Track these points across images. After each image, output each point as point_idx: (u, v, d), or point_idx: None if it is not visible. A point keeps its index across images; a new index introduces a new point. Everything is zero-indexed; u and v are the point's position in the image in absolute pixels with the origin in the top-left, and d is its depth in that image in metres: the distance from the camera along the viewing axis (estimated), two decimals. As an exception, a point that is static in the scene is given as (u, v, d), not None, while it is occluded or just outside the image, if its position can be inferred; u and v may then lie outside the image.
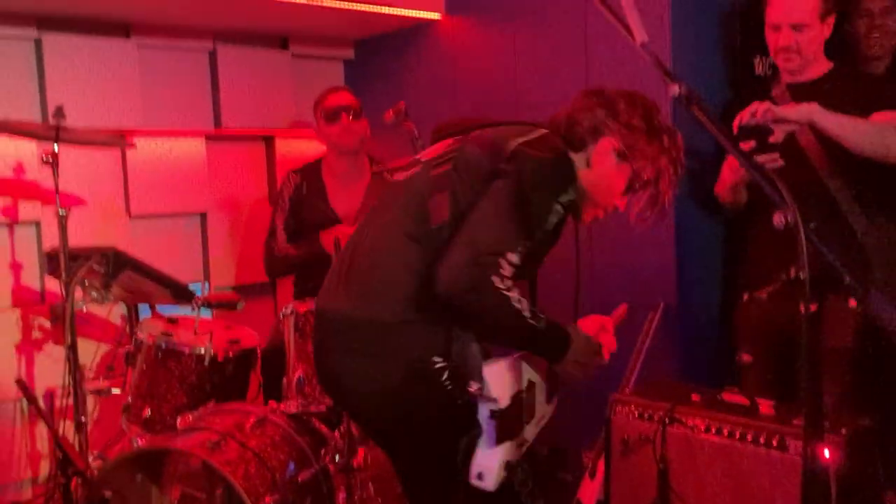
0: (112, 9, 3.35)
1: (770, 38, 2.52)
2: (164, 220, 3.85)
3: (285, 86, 4.05)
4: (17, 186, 3.38)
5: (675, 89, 1.23)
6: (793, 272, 1.07)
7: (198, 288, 3.64)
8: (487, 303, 1.70)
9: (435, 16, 3.71)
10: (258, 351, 3.02)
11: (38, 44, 3.40)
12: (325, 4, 3.39)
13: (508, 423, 1.80)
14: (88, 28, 3.48)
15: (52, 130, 2.73)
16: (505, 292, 1.69)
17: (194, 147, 3.85)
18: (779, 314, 2.34)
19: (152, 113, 3.70)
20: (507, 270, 1.70)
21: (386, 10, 3.55)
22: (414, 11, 3.62)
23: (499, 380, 1.79)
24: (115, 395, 2.99)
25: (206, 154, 3.88)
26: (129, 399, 2.85)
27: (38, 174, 3.38)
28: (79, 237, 3.11)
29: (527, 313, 1.74)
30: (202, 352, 2.81)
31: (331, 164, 3.42)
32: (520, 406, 1.85)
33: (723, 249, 3.01)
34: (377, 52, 4.11)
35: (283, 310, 2.67)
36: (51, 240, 3.33)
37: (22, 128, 2.93)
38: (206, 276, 3.95)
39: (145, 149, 3.68)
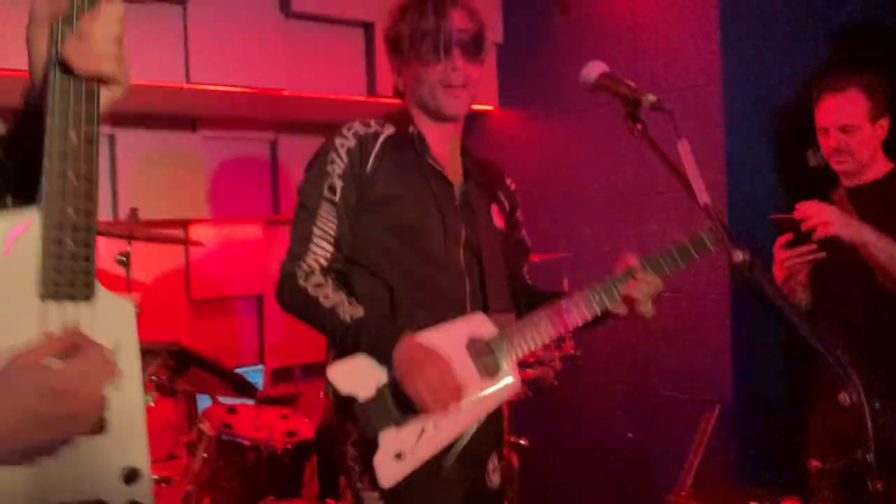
0: (181, 106, 3.52)
1: (822, 140, 2.53)
2: (222, 303, 3.97)
3: (342, 171, 4.18)
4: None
5: (738, 255, 1.27)
6: (859, 453, 1.09)
7: (255, 374, 3.75)
8: (288, 298, 1.78)
9: (488, 107, 3.82)
10: (314, 442, 3.07)
11: (111, 139, 3.58)
12: (381, 101, 3.52)
13: (378, 414, 1.69)
14: (158, 123, 3.66)
15: (126, 230, 2.86)
16: (304, 285, 1.75)
17: (253, 231, 3.98)
18: (855, 425, 2.30)
19: (216, 201, 3.84)
20: (313, 259, 1.78)
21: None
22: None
23: (346, 377, 1.73)
24: (177, 483, 3.06)
25: (264, 238, 4.01)
26: (190, 488, 2.92)
27: (105, 262, 3.51)
28: (140, 320, 3.21)
29: (331, 306, 1.73)
30: (261, 445, 2.87)
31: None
32: (391, 396, 1.71)
33: (782, 350, 2.99)
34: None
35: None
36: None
37: (99, 228, 3.07)
38: (262, 357, 4.05)
39: (207, 234, 3.82)
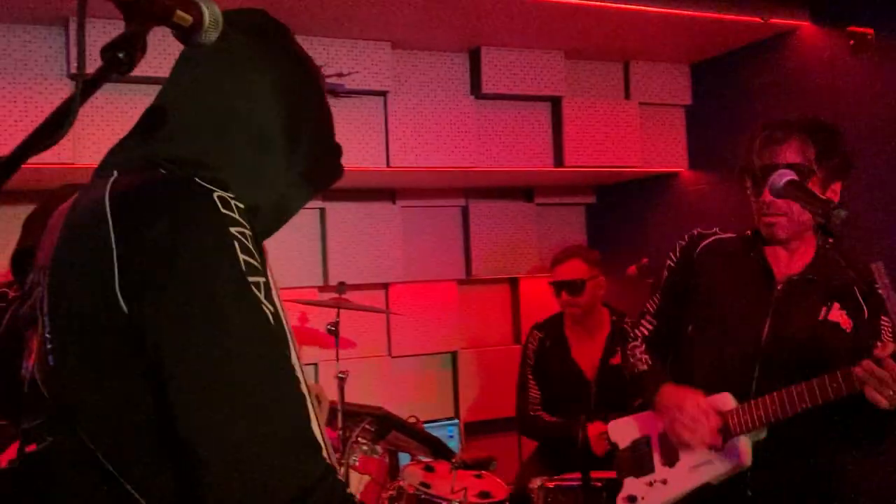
0: (383, 182, 3.81)
1: None
2: (419, 359, 4.20)
3: (530, 233, 4.32)
4: (300, 333, 3.88)
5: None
6: None
7: (451, 427, 3.93)
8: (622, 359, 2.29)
9: (678, 170, 3.81)
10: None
11: (321, 212, 3.94)
12: (566, 169, 3.61)
13: (626, 463, 2.16)
14: (362, 196, 3.99)
15: (335, 302, 3.15)
16: (630, 345, 2.28)
17: (447, 291, 4.19)
18: None
19: (413, 264, 4.09)
20: (639, 330, 2.25)
21: (631, 168, 3.72)
22: (659, 169, 3.78)
23: (618, 430, 2.24)
24: (379, 536, 3.27)
25: (458, 297, 4.21)
26: (391, 543, 3.11)
27: (318, 323, 3.85)
28: (349, 377, 3.49)
29: (633, 362, 2.22)
30: (457, 506, 3.02)
31: (569, 318, 3.55)
32: (639, 449, 2.15)
33: None
34: (619, 197, 4.26)
35: (532, 483, 2.81)
36: (326, 379, 3.76)
37: (308, 299, 3.42)
38: (457, 412, 4.23)
39: (405, 294, 4.08)
